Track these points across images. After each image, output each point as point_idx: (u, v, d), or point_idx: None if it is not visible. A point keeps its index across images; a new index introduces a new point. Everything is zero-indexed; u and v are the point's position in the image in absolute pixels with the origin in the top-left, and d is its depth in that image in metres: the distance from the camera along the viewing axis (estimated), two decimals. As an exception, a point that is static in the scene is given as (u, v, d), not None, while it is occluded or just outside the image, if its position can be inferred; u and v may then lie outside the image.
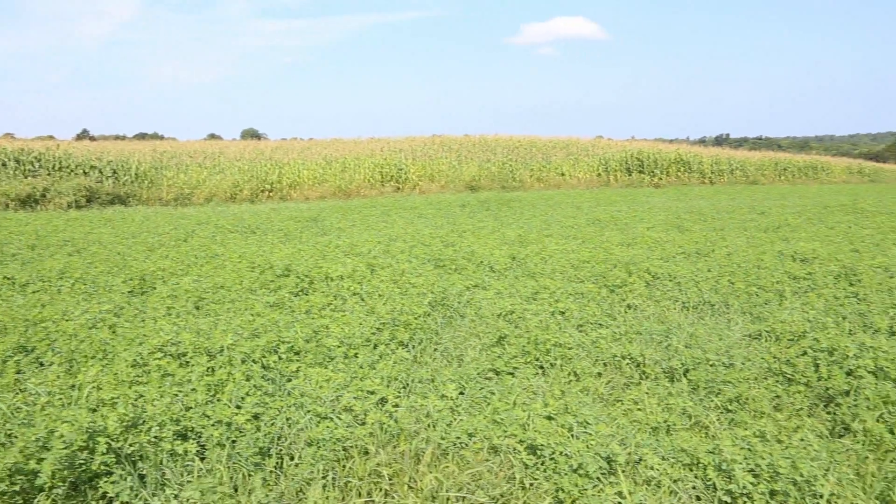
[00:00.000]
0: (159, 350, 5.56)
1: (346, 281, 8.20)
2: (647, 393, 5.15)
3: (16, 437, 4.07)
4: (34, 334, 6.14)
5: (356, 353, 5.72)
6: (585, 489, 3.78)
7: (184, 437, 4.24)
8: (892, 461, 4.24)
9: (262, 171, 28.05)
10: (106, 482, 3.78)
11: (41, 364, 5.62)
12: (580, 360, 5.74)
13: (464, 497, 3.84)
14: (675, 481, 3.92)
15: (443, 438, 4.23)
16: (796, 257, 10.27)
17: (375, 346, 5.94)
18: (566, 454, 3.97)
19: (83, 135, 56.87)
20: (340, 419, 4.40)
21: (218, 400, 4.65)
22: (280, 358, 5.54)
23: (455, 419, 4.52)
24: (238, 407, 4.53)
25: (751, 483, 3.78)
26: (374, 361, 5.56)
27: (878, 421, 4.60)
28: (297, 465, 4.07)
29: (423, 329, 6.45)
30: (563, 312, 7.02)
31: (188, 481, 3.82)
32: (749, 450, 4.07)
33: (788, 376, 5.45)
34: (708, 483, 3.91)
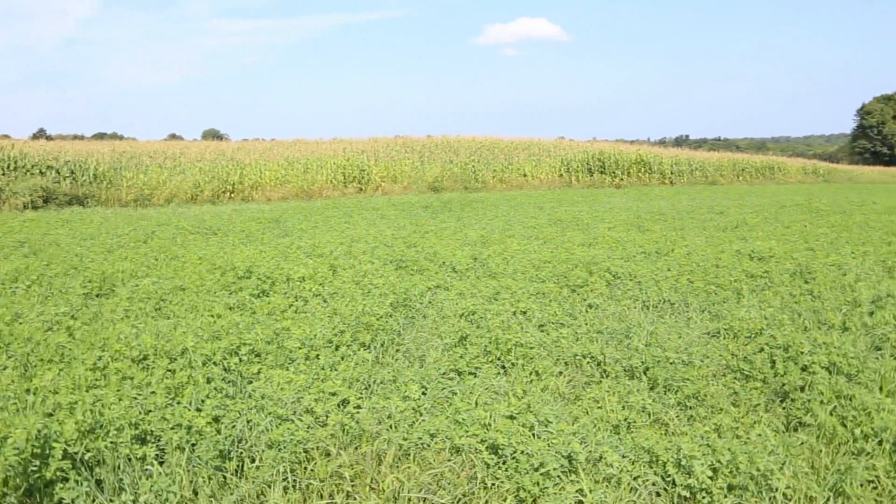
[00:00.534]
0: (118, 353, 5.48)
1: (308, 282, 8.16)
2: (607, 391, 5.20)
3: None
4: (-13, 338, 6.01)
5: (318, 355, 5.69)
6: (546, 488, 3.80)
7: (142, 441, 4.18)
8: (844, 454, 4.33)
9: (224, 172, 27.74)
10: (61, 488, 3.72)
11: (-5, 369, 5.51)
12: (541, 360, 5.78)
13: (425, 498, 3.84)
14: (634, 478, 3.96)
15: (405, 439, 4.23)
16: (753, 256, 10.45)
17: (337, 348, 5.92)
18: (527, 453, 3.99)
19: (40, 134, 55.73)
20: (301, 421, 4.38)
21: (178, 403, 4.60)
22: (241, 360, 5.49)
23: (417, 420, 4.53)
24: (198, 410, 4.49)
25: (709, 478, 3.84)
26: (336, 363, 5.54)
27: (830, 415, 4.70)
28: (257, 467, 4.04)
29: (385, 330, 6.44)
30: (525, 312, 7.06)
31: (146, 485, 3.77)
32: (708, 445, 4.13)
33: (746, 373, 5.54)
34: (667, 479, 3.96)
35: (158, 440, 4.19)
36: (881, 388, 5.19)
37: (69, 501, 3.69)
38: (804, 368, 5.45)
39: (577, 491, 3.81)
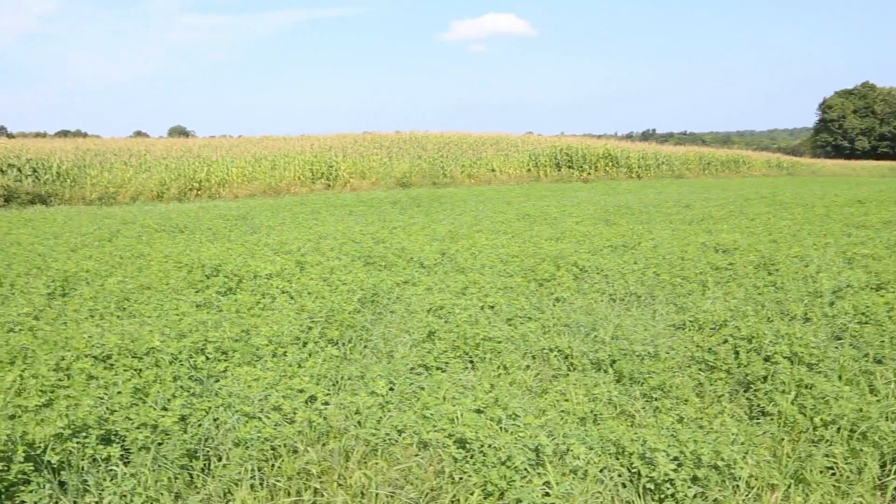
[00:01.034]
0: (82, 353, 5.42)
1: (275, 279, 8.13)
2: (574, 384, 5.24)
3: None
4: (-53, 340, 5.90)
5: (285, 352, 5.67)
6: (513, 481, 3.83)
7: (107, 441, 4.15)
8: (804, 441, 4.42)
9: (190, 169, 27.47)
10: (24, 491, 3.68)
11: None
12: (509, 354, 5.81)
13: (393, 493, 3.85)
14: (601, 470, 4.00)
15: (372, 435, 4.24)
16: (719, 249, 10.58)
17: (305, 344, 5.90)
18: (495, 447, 4.02)
19: (0, 131, 54.80)
20: (269, 418, 4.36)
21: (144, 402, 4.56)
22: (207, 358, 5.46)
23: (385, 415, 4.53)
24: (164, 409, 4.45)
25: (673, 470, 3.89)
26: (304, 359, 5.53)
27: (792, 404, 4.78)
28: (224, 465, 4.02)
29: (352, 326, 6.43)
30: (493, 307, 7.09)
31: (110, 488, 3.74)
32: (673, 436, 4.18)
33: (710, 364, 5.61)
34: (633, 471, 4.00)
35: (123, 440, 4.15)
36: (840, 377, 5.29)
37: (32, 504, 3.65)
38: (767, 359, 5.54)
39: (543, 483, 3.84)
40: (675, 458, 3.98)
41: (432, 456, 4.10)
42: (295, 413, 4.44)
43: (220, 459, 4.10)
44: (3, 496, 3.73)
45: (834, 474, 4.13)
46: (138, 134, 72.41)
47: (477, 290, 7.78)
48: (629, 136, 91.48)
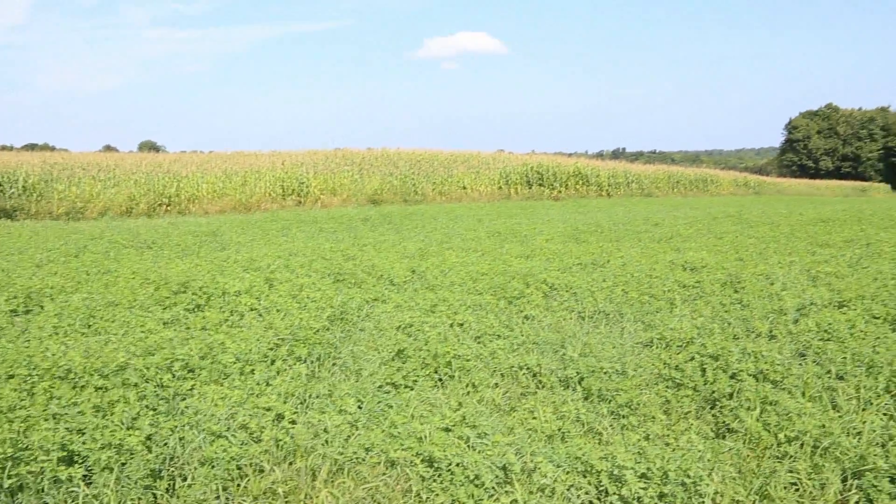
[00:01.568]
0: (45, 371, 5.33)
1: (244, 296, 8.06)
2: (542, 402, 5.26)
3: None
4: None
5: (253, 370, 5.63)
6: (481, 500, 3.83)
7: (69, 461, 4.08)
8: (769, 458, 4.47)
9: (160, 185, 27.24)
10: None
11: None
12: (478, 372, 5.81)
13: (360, 511, 3.83)
14: (568, 488, 4.01)
15: (340, 454, 4.22)
16: (686, 266, 10.68)
17: (273, 362, 5.86)
18: (463, 465, 4.02)
19: (-36, 146, 53.94)
20: (235, 437, 4.32)
21: (108, 421, 4.49)
22: (174, 376, 5.40)
23: (352, 434, 4.51)
24: (129, 428, 4.40)
25: (641, 488, 3.91)
26: (271, 377, 5.49)
27: (756, 420, 4.83)
28: (189, 486, 3.98)
29: (321, 344, 6.40)
30: (462, 324, 7.10)
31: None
32: (640, 453, 4.21)
33: (677, 381, 5.66)
34: (601, 489, 4.02)
35: (86, 460, 4.09)
36: (804, 394, 5.36)
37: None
38: (733, 376, 5.60)
39: (511, 502, 3.84)
40: (643, 475, 4.00)
41: (400, 475, 4.09)
42: (262, 432, 4.40)
43: (184, 479, 4.05)
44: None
45: (798, 490, 4.18)
46: (108, 148, 71.77)
47: (446, 307, 7.78)
48: (600, 155, 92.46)
